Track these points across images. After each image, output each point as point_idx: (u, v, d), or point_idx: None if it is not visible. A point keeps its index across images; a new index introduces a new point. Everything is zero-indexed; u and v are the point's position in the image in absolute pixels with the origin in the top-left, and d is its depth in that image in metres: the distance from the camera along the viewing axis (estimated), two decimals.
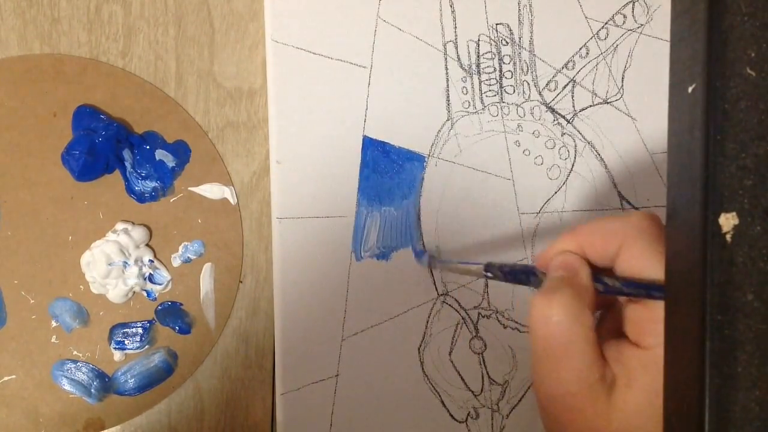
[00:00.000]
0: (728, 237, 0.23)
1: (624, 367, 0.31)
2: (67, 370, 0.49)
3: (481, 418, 0.52)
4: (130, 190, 0.49)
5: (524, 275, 0.36)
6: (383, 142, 0.50)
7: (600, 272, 0.34)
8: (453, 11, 0.50)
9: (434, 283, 0.51)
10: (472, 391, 0.52)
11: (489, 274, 0.38)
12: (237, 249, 0.51)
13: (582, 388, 0.31)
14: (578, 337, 0.31)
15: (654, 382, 0.30)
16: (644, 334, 0.31)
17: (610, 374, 0.32)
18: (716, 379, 0.23)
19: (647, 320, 0.31)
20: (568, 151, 0.52)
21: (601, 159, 0.52)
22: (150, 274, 0.49)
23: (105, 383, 0.50)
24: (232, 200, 0.50)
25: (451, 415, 0.52)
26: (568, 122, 0.51)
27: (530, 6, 0.51)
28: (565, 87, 0.51)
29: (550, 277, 0.34)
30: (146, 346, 0.50)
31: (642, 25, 0.51)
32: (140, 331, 0.50)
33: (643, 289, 0.31)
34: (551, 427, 0.33)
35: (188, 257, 0.50)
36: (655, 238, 0.32)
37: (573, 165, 0.52)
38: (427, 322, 0.51)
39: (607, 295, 0.33)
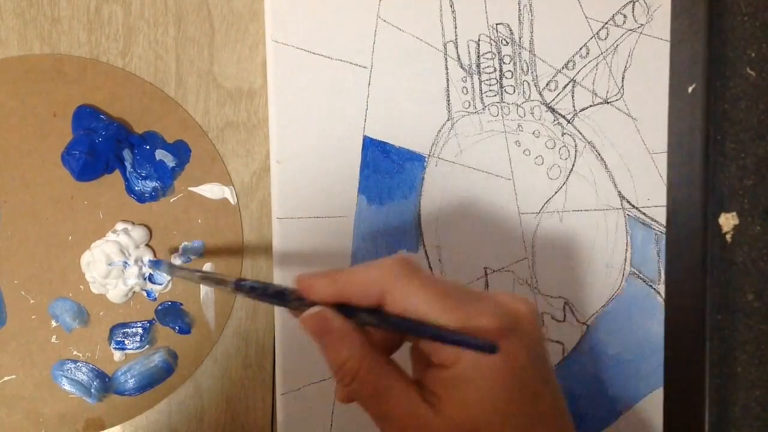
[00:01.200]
0: (728, 237, 0.23)
1: (441, 387, 0.33)
2: (67, 370, 0.49)
3: None
4: (130, 190, 0.49)
5: (278, 298, 0.37)
6: (383, 142, 0.50)
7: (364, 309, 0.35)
8: (453, 11, 0.50)
9: None
10: None
11: (240, 293, 0.38)
12: (237, 249, 0.51)
13: (410, 417, 0.33)
14: (380, 377, 0.34)
15: (462, 394, 0.33)
16: (442, 356, 0.33)
17: (432, 395, 0.34)
18: (716, 379, 0.23)
19: (437, 346, 0.33)
20: (568, 151, 0.52)
21: (602, 159, 0.52)
22: (150, 274, 0.49)
23: (105, 383, 0.50)
24: (232, 200, 0.50)
25: None
26: (569, 122, 0.51)
27: (530, 6, 0.51)
28: (565, 87, 0.51)
29: (320, 346, 0.35)
30: (146, 346, 0.50)
31: (642, 25, 0.51)
32: (140, 331, 0.50)
33: (400, 326, 0.33)
34: None
35: (188, 257, 0.50)
36: (411, 276, 0.34)
37: (573, 165, 0.52)
38: None
39: (382, 328, 0.35)
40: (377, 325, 0.34)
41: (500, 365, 0.32)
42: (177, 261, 0.50)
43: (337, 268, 0.36)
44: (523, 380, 0.33)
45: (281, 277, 0.49)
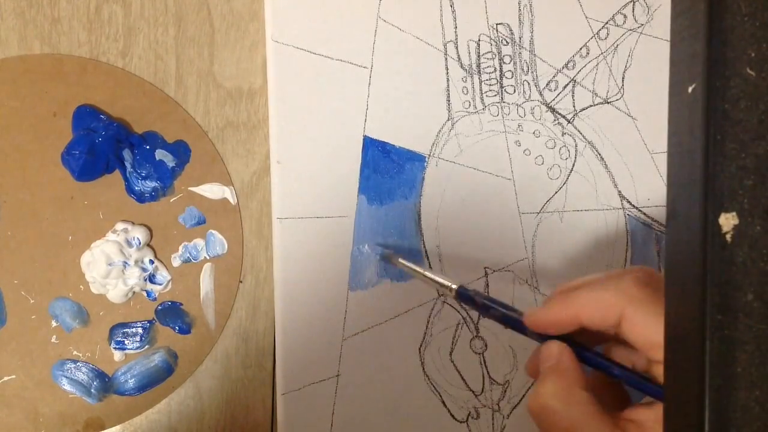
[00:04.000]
0: (728, 237, 0.23)
1: (642, 429, 0.32)
2: (67, 370, 0.49)
3: (481, 418, 0.52)
4: (130, 190, 0.49)
5: (513, 322, 0.38)
6: (384, 142, 0.50)
7: (591, 347, 0.35)
8: (453, 11, 0.50)
9: None
10: (473, 391, 0.52)
11: (462, 302, 0.39)
12: (237, 249, 0.51)
13: None
14: (579, 416, 0.32)
15: None
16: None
17: None
18: (716, 379, 0.23)
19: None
20: (568, 150, 0.52)
21: (602, 159, 0.52)
22: (150, 274, 0.49)
23: (105, 383, 0.50)
24: (232, 200, 0.50)
25: (452, 415, 0.52)
26: (569, 122, 0.51)
27: (530, 6, 0.51)
28: (565, 87, 0.51)
29: (540, 371, 0.35)
30: (146, 346, 0.50)
31: (642, 24, 0.51)
32: (140, 331, 0.50)
33: (632, 380, 0.33)
34: None
35: (188, 257, 0.50)
36: (652, 304, 0.32)
37: (573, 165, 0.52)
38: (428, 322, 0.51)
39: (598, 370, 0.35)
40: (599, 369, 0.34)
41: None
42: (177, 262, 0.50)
43: (566, 289, 0.35)
44: None
45: (282, 278, 0.49)
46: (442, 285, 0.42)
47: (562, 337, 0.36)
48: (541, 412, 0.33)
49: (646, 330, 0.32)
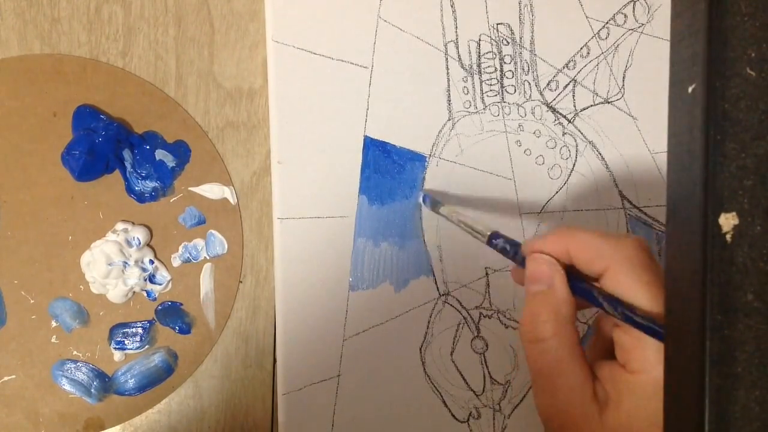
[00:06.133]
0: (728, 237, 0.23)
1: (614, 388, 0.32)
2: (67, 370, 0.49)
3: (482, 417, 0.52)
4: (130, 190, 0.49)
5: (515, 252, 0.37)
6: (384, 142, 0.50)
7: (580, 278, 0.34)
8: (454, 11, 0.50)
9: (435, 282, 0.51)
10: (474, 391, 0.52)
11: (493, 248, 0.39)
12: (237, 249, 0.51)
13: (574, 406, 0.32)
14: (565, 355, 0.33)
15: (638, 406, 0.31)
16: (629, 359, 0.32)
17: (603, 393, 0.32)
18: (716, 379, 0.23)
19: (632, 347, 0.32)
20: (569, 150, 0.52)
21: (602, 158, 0.52)
22: (150, 274, 0.49)
23: (105, 383, 0.50)
24: (232, 200, 0.50)
25: (453, 415, 0.52)
26: (569, 122, 0.51)
27: (531, 5, 0.50)
28: (566, 87, 0.51)
29: (528, 291, 0.35)
30: (146, 346, 0.50)
31: (643, 24, 0.51)
32: (140, 331, 0.50)
33: (618, 311, 0.32)
34: None
35: (188, 257, 0.50)
36: (642, 268, 0.32)
37: (574, 165, 0.52)
38: (429, 322, 0.51)
39: (584, 299, 0.34)
40: (590, 302, 0.33)
41: (660, 390, 0.30)
42: (177, 262, 0.50)
43: (571, 226, 0.35)
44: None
45: (282, 278, 0.49)
46: (479, 232, 0.41)
47: None
48: (533, 342, 0.33)
49: (628, 291, 0.32)
